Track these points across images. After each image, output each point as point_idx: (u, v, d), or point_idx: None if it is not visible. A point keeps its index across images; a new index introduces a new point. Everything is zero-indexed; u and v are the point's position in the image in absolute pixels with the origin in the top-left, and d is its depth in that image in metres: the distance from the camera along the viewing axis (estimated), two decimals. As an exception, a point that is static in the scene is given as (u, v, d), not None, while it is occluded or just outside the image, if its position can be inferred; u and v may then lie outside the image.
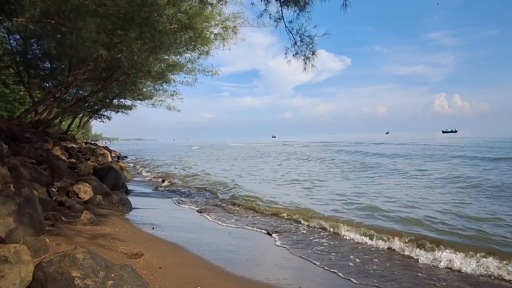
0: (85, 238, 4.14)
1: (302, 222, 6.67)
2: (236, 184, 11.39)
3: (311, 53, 5.99)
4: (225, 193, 10.32)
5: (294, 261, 4.60)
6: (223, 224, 6.57)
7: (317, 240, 5.55)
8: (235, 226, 6.47)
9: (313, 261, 4.51)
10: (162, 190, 11.05)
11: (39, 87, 20.49)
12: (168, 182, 13.17)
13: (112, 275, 2.59)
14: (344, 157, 23.99)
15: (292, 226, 6.51)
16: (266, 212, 7.68)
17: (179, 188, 11.56)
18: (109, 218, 5.62)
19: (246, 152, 37.48)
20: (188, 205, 8.41)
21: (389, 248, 5.09)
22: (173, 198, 9.46)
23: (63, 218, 4.79)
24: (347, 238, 5.63)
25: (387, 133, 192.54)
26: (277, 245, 5.25)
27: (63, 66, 17.73)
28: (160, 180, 13.93)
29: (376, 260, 4.60)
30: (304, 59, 6.03)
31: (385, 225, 6.08)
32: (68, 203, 5.88)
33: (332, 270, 4.18)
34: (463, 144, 32.41)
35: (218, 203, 8.83)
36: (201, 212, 7.57)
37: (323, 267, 4.30)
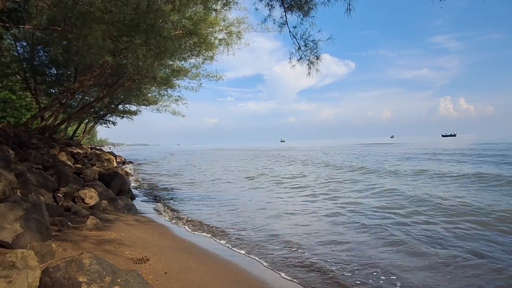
0: (91, 244, 4.14)
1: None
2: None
3: (315, 57, 5.98)
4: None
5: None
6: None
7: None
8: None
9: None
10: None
11: (45, 94, 20.78)
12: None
13: (118, 280, 2.59)
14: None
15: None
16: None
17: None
18: (115, 223, 5.62)
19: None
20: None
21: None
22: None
23: (69, 224, 4.81)
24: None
25: (391, 137, 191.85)
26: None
27: (69, 73, 17.99)
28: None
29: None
30: (308, 64, 6.02)
31: None
32: (74, 208, 5.91)
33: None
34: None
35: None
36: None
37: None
